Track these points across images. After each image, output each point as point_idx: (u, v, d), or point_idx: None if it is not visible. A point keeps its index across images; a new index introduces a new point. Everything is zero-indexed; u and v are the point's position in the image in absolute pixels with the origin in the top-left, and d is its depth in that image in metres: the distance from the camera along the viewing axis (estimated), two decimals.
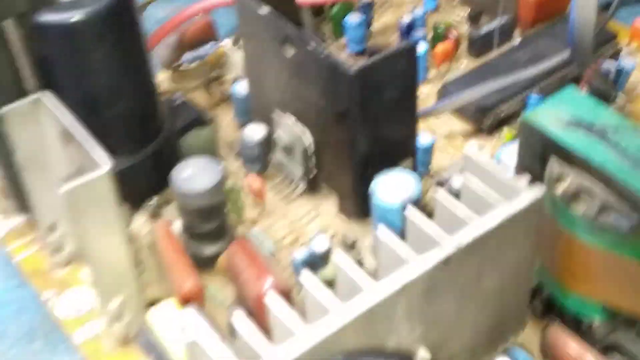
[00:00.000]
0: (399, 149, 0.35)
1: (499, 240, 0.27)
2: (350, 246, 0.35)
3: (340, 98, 0.33)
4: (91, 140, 0.29)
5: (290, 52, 0.34)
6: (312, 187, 0.38)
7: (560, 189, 0.28)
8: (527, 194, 0.27)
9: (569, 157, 0.28)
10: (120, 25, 0.34)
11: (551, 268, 0.30)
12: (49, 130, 0.32)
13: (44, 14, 0.32)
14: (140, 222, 0.36)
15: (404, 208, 0.30)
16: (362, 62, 0.32)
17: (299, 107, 0.36)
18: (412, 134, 0.36)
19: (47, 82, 0.34)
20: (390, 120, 0.34)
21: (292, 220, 0.37)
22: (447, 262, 0.26)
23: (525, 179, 0.27)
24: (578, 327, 0.30)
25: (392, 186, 0.32)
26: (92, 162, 0.29)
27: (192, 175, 0.33)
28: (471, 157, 0.29)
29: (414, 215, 0.28)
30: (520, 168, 0.30)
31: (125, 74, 0.35)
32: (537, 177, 0.29)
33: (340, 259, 0.26)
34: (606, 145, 0.28)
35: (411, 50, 0.33)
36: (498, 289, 0.29)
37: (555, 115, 0.29)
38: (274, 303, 0.25)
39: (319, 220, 0.37)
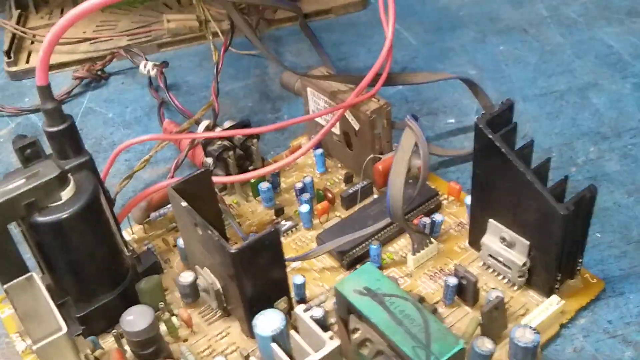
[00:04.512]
0: (275, 291, 0.39)
1: None
2: (246, 357, 0.39)
3: (228, 265, 0.36)
4: (56, 310, 0.33)
5: (199, 231, 0.38)
6: (225, 314, 0.41)
7: (355, 337, 0.32)
8: (329, 344, 0.31)
9: (360, 315, 0.32)
10: (93, 216, 0.38)
11: None
12: (39, 295, 0.36)
13: (39, 216, 0.37)
14: (109, 343, 0.40)
15: (272, 337, 0.34)
16: (241, 244, 0.36)
17: (210, 264, 0.40)
18: (283, 281, 0.39)
19: (46, 258, 0.38)
20: (265, 275, 0.38)
21: (210, 337, 0.40)
22: None
23: (329, 334, 0.31)
24: None
25: (266, 321, 0.35)
26: (57, 324, 0.33)
27: (133, 319, 0.37)
28: (299, 315, 0.32)
29: (276, 348, 0.32)
30: (339, 318, 0.34)
31: (99, 246, 0.39)
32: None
33: None
34: (382, 308, 0.31)
35: (274, 233, 0.36)
36: None
37: (354, 285, 0.33)
38: None
39: (228, 338, 0.40)
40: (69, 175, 0.38)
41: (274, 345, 0.32)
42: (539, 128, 0.55)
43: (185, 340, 0.40)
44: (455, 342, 0.29)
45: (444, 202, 0.48)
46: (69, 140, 0.39)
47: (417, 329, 0.30)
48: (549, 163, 0.38)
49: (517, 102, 0.58)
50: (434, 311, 0.32)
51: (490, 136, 0.37)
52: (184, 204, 0.39)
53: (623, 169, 0.50)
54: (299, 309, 0.32)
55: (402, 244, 0.45)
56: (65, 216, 0.37)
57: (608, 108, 0.56)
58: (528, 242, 0.39)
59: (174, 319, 0.40)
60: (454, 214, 0.47)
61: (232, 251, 0.35)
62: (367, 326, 0.31)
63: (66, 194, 0.37)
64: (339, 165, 0.53)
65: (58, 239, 0.37)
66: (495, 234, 0.41)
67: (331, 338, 0.31)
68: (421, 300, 0.32)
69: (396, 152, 0.40)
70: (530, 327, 0.36)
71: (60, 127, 0.39)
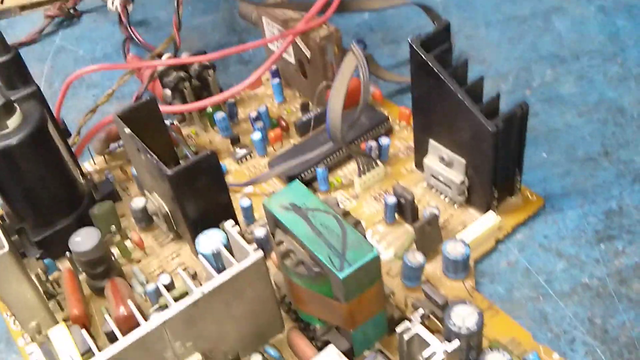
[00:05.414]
0: (220, 214, 0.40)
1: (235, 286, 0.32)
2: (193, 275, 0.40)
3: (167, 187, 0.38)
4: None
5: (142, 156, 0.39)
6: (177, 236, 0.43)
7: (280, 249, 0.33)
8: (252, 256, 0.32)
9: (285, 229, 0.33)
10: (41, 144, 0.40)
11: (289, 296, 0.35)
12: None
13: None
14: (65, 265, 0.42)
15: (212, 254, 0.35)
16: (178, 167, 0.37)
17: (157, 189, 0.41)
18: (228, 204, 0.40)
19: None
20: (207, 197, 0.39)
21: (162, 258, 0.42)
22: (195, 304, 0.31)
23: (253, 246, 0.32)
24: (308, 329, 0.35)
25: (208, 239, 0.36)
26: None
27: (80, 240, 0.38)
28: (227, 230, 0.34)
29: (204, 261, 0.33)
30: (271, 232, 0.35)
31: (49, 173, 0.41)
32: None
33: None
34: (304, 221, 0.32)
35: (212, 156, 0.37)
36: (248, 312, 0.33)
37: (281, 201, 0.34)
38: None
39: (178, 259, 0.42)
40: (15, 104, 0.39)
41: (202, 258, 0.33)
42: (499, 53, 0.55)
43: (138, 262, 0.42)
44: (370, 250, 0.31)
45: (396, 127, 0.48)
46: (14, 70, 0.40)
47: (335, 240, 0.31)
48: (482, 81, 0.38)
49: (480, 28, 0.58)
50: (356, 224, 0.33)
51: (423, 56, 0.38)
52: (127, 130, 0.40)
53: (577, 90, 0.50)
54: (227, 224, 0.34)
55: (351, 167, 0.46)
56: (12, 143, 0.38)
57: (570, 31, 0.56)
58: (464, 161, 0.40)
59: (127, 241, 0.42)
60: (404, 138, 0.48)
61: (169, 173, 0.36)
62: (290, 238, 0.32)
63: (12, 122, 0.39)
64: (297, 94, 0.53)
65: (7, 165, 0.39)
66: (435, 154, 0.42)
67: (255, 251, 0.32)
68: (345, 214, 0.33)
69: (336, 76, 0.41)
70: (462, 241, 0.38)
71: (4, 58, 0.39)
